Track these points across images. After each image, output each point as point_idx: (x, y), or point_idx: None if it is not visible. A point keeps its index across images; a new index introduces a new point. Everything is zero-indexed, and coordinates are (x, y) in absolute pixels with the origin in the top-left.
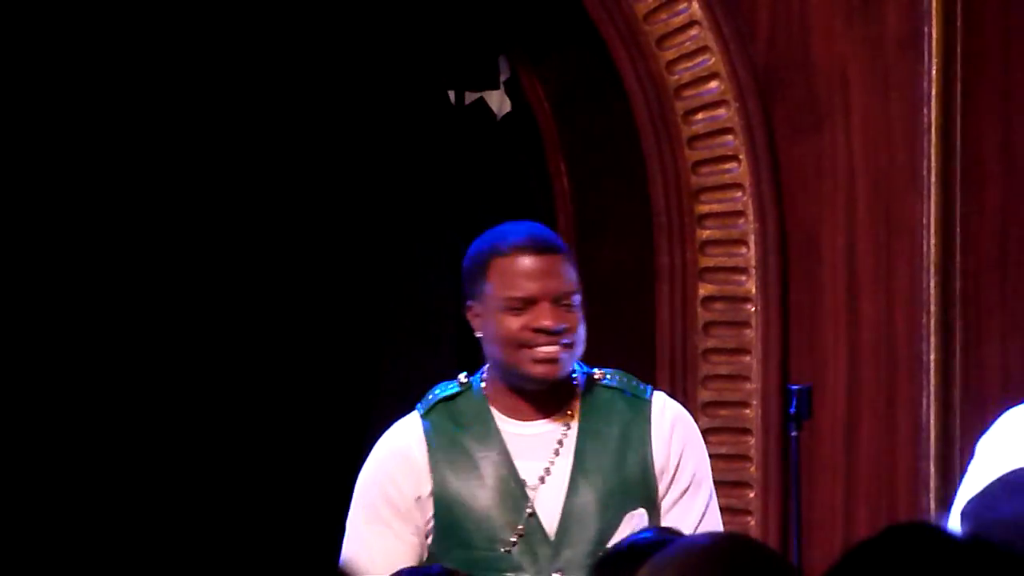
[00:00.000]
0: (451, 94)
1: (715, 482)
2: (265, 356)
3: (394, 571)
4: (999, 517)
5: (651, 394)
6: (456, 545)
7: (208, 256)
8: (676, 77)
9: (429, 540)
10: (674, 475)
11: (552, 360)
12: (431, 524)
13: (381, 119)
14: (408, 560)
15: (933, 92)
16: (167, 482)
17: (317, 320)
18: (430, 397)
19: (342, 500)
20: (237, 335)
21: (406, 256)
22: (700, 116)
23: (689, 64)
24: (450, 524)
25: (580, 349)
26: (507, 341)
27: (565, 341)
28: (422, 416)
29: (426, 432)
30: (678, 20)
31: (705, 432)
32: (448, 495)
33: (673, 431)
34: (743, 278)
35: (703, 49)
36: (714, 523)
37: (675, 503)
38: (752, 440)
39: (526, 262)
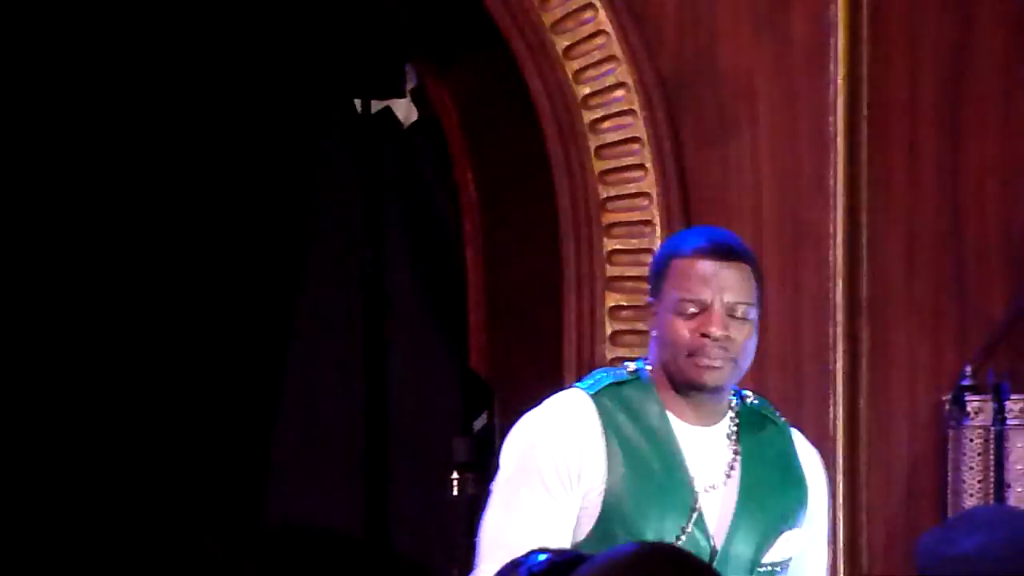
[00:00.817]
0: (357, 103)
1: None
2: (164, 367)
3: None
4: (958, 553)
5: (781, 422)
6: (619, 536)
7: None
8: (583, 87)
9: (579, 528)
10: (816, 516)
11: (712, 368)
12: (597, 513)
13: (286, 127)
14: (567, 535)
15: (839, 101)
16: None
17: (217, 334)
18: (599, 378)
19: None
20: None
21: (314, 266)
22: (607, 125)
23: (596, 74)
24: (620, 514)
25: (745, 364)
26: (673, 344)
27: (729, 352)
28: (592, 396)
29: (600, 413)
30: (585, 29)
31: None
32: (621, 484)
33: (820, 472)
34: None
35: (610, 59)
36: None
37: (811, 544)
38: None
39: (704, 266)
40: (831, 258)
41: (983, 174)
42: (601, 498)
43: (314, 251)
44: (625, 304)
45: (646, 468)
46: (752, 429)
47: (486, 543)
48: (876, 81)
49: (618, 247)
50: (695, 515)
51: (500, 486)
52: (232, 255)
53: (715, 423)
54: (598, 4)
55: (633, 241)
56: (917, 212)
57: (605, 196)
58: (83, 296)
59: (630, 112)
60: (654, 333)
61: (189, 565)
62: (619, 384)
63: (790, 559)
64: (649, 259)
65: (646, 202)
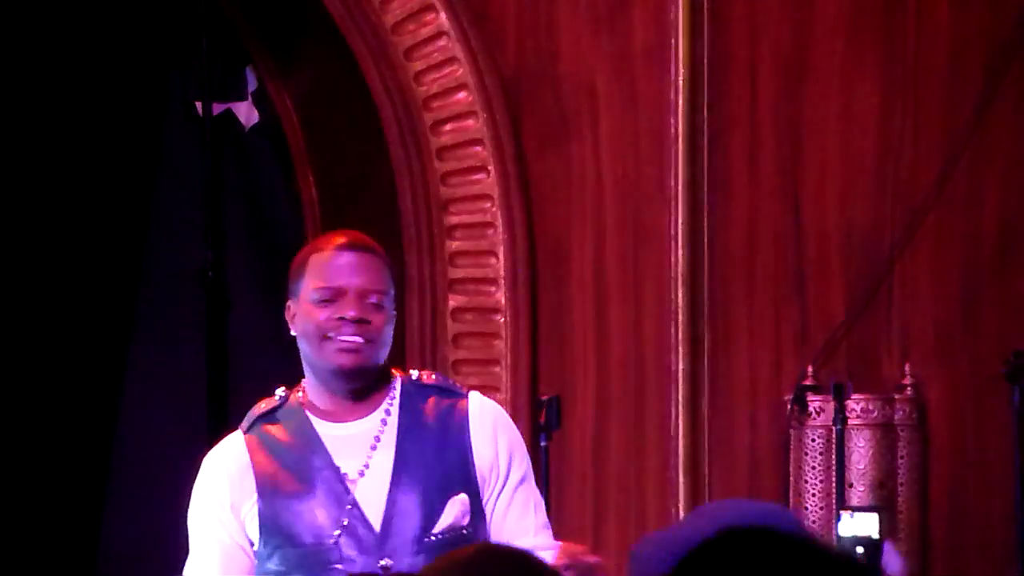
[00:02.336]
0: (198, 105)
1: None
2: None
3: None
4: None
5: (467, 393)
6: (284, 544)
7: None
8: (424, 88)
9: (255, 548)
10: (507, 470)
11: (353, 350)
12: (258, 532)
13: (127, 129)
14: (243, 563)
15: (680, 103)
16: None
17: (57, 341)
18: (251, 414)
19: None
20: None
21: (156, 269)
22: (448, 127)
23: (437, 75)
24: (277, 527)
25: (383, 347)
26: (314, 332)
27: (367, 335)
28: (245, 432)
29: (249, 449)
30: (426, 31)
31: None
32: (274, 503)
33: (496, 429)
34: (493, 289)
35: (451, 60)
36: (542, 512)
37: (512, 496)
38: None
39: (340, 257)
40: (672, 259)
41: (823, 176)
42: (257, 520)
43: (155, 252)
44: (468, 306)
45: (296, 479)
46: (413, 407)
47: None
48: (716, 82)
49: (460, 249)
50: (350, 505)
51: (190, 537)
52: (72, 259)
53: (367, 413)
54: (438, 5)
55: (474, 243)
56: (758, 214)
57: (447, 198)
58: None
59: (471, 113)
60: (295, 333)
61: None
62: (270, 412)
63: (470, 524)
64: (492, 262)
65: (487, 203)
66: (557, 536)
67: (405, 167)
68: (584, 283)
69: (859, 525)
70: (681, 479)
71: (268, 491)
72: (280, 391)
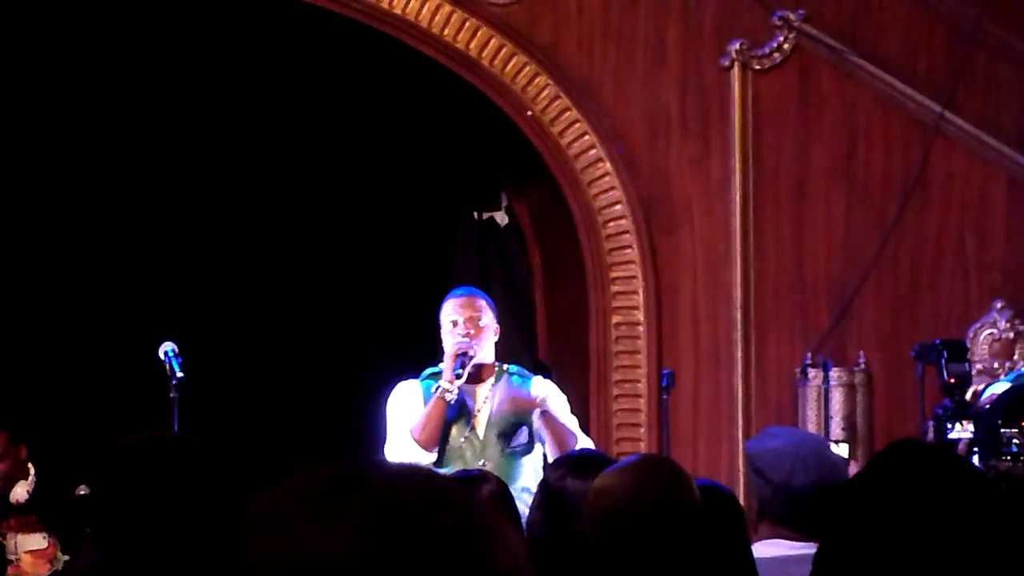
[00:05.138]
0: (475, 213)
1: None
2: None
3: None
4: (769, 447)
5: (527, 374)
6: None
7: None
8: (597, 202)
9: None
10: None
11: (464, 353)
12: None
13: (439, 227)
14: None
15: (737, 210)
16: None
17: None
18: (424, 373)
19: None
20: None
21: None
22: (611, 223)
23: (604, 195)
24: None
25: (488, 350)
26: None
27: (474, 343)
28: (421, 380)
29: (421, 387)
30: (598, 170)
31: None
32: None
33: (543, 388)
34: (636, 312)
35: (613, 187)
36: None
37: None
38: None
39: (456, 300)
40: (734, 294)
41: (815, 250)
42: None
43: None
44: (622, 322)
45: (447, 412)
46: (505, 381)
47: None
48: (757, 200)
49: (618, 290)
50: (469, 428)
51: (389, 415)
52: (402, 306)
53: (483, 381)
54: (605, 158)
55: (626, 284)
56: (780, 269)
57: (611, 262)
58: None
59: (623, 216)
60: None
61: None
62: (435, 373)
63: (530, 443)
64: (635, 297)
65: (632, 265)
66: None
67: (587, 245)
68: (686, 309)
69: (840, 451)
70: (740, 418)
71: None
72: (441, 365)
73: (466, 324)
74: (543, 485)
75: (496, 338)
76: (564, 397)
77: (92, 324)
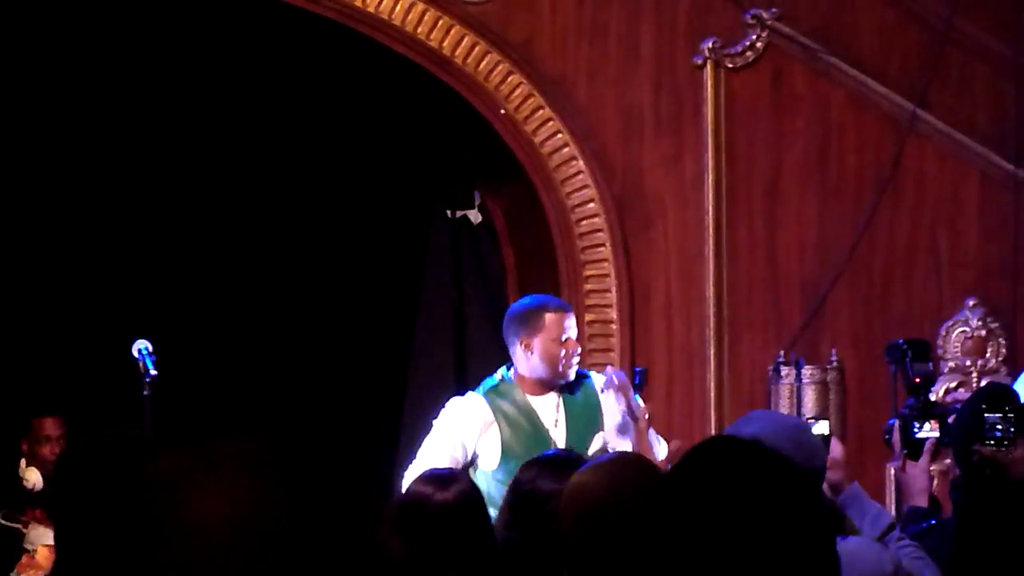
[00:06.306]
0: (449, 212)
1: None
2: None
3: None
4: (747, 434)
5: (589, 375)
6: (515, 460)
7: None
8: (571, 200)
9: (479, 467)
10: (611, 409)
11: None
12: (495, 451)
13: (412, 224)
14: (452, 462)
15: (710, 207)
16: None
17: (360, 348)
18: (484, 385)
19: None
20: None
21: (426, 299)
22: (585, 221)
23: (578, 194)
24: (511, 450)
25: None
26: (555, 357)
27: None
28: (483, 395)
29: (491, 408)
30: (572, 168)
31: None
32: (508, 437)
33: (605, 385)
34: (609, 309)
35: (587, 186)
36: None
37: (612, 424)
38: None
39: (568, 319)
40: (707, 294)
41: (788, 249)
42: (499, 446)
43: (426, 290)
44: (596, 319)
45: (519, 427)
46: (571, 387)
47: (420, 455)
48: (731, 200)
49: (592, 288)
50: (549, 441)
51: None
52: (375, 304)
53: (550, 391)
54: (579, 157)
55: (599, 283)
56: (754, 268)
57: (584, 260)
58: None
59: (597, 215)
60: (535, 354)
61: None
62: (494, 387)
63: (606, 445)
64: (608, 295)
65: (606, 263)
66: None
67: (560, 243)
68: (659, 307)
69: (819, 427)
70: (713, 415)
71: (505, 431)
72: (500, 372)
73: (575, 342)
74: (514, 486)
75: None
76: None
77: (66, 321)
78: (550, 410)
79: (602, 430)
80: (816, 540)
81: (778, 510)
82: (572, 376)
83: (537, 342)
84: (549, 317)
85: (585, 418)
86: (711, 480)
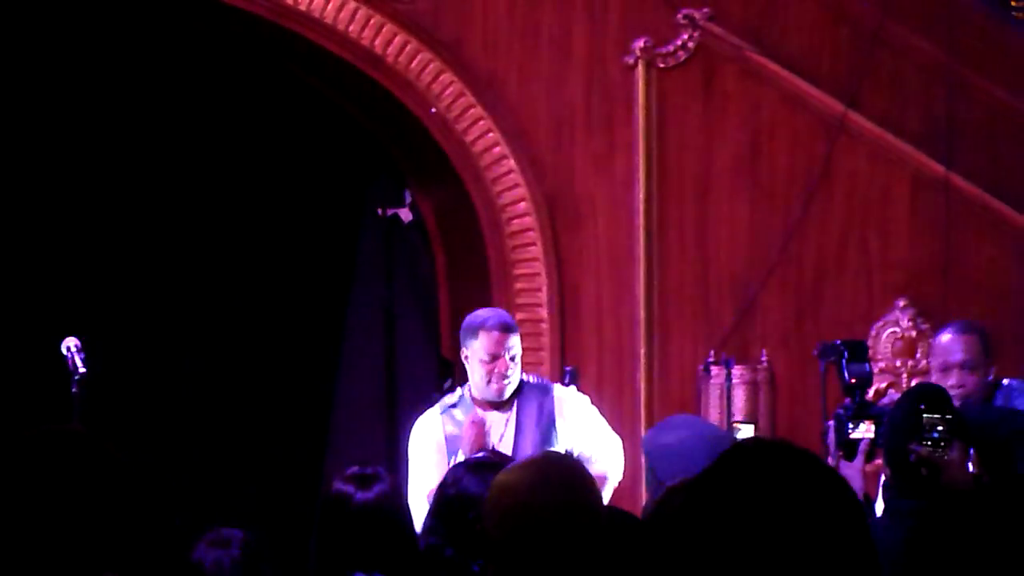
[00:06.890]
0: (379, 210)
1: None
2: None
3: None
4: (666, 444)
5: (549, 386)
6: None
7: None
8: (502, 199)
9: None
10: (577, 424)
11: (502, 390)
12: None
13: (342, 224)
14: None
15: (640, 207)
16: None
17: (300, 351)
18: (443, 402)
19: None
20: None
21: (356, 299)
22: (515, 221)
23: (509, 192)
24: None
25: (515, 382)
26: (483, 377)
27: (509, 381)
28: (441, 414)
29: (443, 423)
30: (502, 168)
31: None
32: (456, 450)
33: (573, 402)
34: (540, 309)
35: (517, 185)
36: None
37: (581, 441)
38: None
39: (494, 336)
40: (638, 294)
41: (719, 250)
42: (449, 463)
43: (356, 288)
44: (526, 319)
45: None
46: (525, 396)
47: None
48: (662, 195)
49: (522, 287)
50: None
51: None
52: (305, 297)
53: (501, 406)
54: (510, 155)
55: (530, 282)
56: (684, 269)
57: (515, 259)
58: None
59: (527, 213)
60: (469, 369)
61: None
62: (453, 405)
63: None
64: (539, 294)
65: (536, 263)
66: None
67: (491, 242)
68: (590, 306)
69: (743, 431)
70: (643, 415)
71: (455, 447)
72: (458, 392)
73: (505, 362)
74: (440, 491)
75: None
76: (588, 402)
77: None
78: (499, 426)
79: (553, 447)
80: (857, 538)
81: (820, 510)
82: (503, 395)
83: (470, 358)
84: (481, 335)
85: (536, 435)
86: (751, 484)
